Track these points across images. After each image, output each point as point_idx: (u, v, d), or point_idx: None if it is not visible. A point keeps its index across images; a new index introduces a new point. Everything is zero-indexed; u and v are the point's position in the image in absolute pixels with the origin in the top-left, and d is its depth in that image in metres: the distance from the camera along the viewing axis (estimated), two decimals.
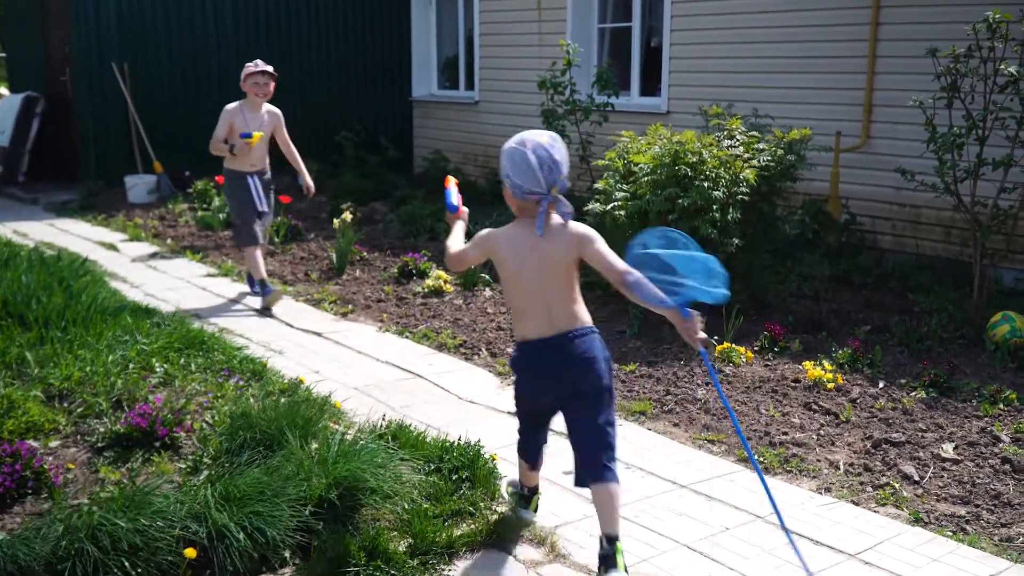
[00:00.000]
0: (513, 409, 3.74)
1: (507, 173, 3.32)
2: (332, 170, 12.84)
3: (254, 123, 7.09)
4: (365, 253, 8.55)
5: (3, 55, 20.46)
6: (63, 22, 12.16)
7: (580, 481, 3.35)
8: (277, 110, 7.32)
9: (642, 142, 7.09)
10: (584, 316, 3.38)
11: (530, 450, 3.62)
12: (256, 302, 7.13)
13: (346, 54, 13.31)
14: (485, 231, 3.47)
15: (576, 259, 3.32)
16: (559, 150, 3.29)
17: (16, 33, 14.45)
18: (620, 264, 3.23)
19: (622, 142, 7.30)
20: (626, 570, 3.15)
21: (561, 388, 3.33)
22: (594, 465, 3.26)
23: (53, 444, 4.20)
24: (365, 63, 13.46)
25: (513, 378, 3.60)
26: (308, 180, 7.45)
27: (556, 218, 3.31)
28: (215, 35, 12.29)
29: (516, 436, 3.67)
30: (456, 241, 3.65)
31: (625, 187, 6.93)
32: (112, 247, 8.91)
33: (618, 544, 3.16)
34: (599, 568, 3.21)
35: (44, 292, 5.74)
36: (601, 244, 3.29)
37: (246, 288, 7.48)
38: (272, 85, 7.15)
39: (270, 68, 7.09)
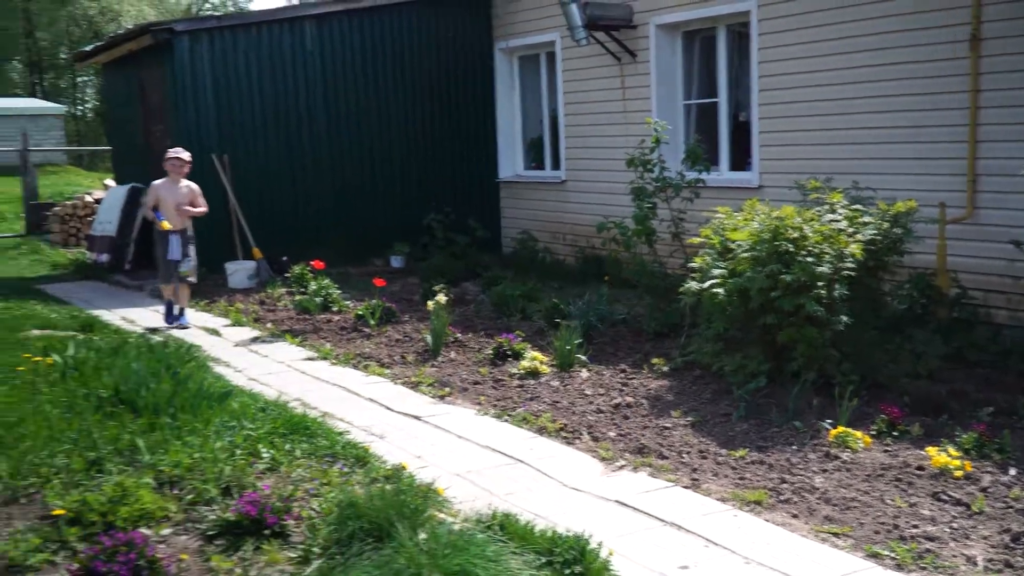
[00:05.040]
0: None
1: None
2: (422, 252, 13.01)
3: (174, 192, 9.36)
4: (459, 335, 8.56)
5: (109, 148, 21.55)
6: (161, 117, 12.69)
7: None
8: (195, 185, 9.60)
9: (739, 218, 7.00)
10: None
11: None
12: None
13: (433, 139, 13.56)
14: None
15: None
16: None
17: (119, 128, 15.12)
18: None
19: (717, 218, 7.22)
20: None
21: None
22: None
23: (165, 532, 4.24)
24: (452, 147, 13.70)
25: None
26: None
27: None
28: (308, 127, 12.66)
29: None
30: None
31: (722, 264, 6.82)
32: (215, 332, 9.09)
33: None
34: None
35: (153, 379, 5.86)
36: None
37: (345, 371, 7.59)
38: (186, 168, 9.47)
39: (184, 156, 9.50)
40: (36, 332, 8.33)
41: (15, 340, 7.76)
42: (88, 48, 14.77)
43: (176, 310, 9.49)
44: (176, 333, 8.92)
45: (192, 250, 9.52)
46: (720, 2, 10.25)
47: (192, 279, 9.58)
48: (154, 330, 9.10)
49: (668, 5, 10.84)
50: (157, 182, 9.41)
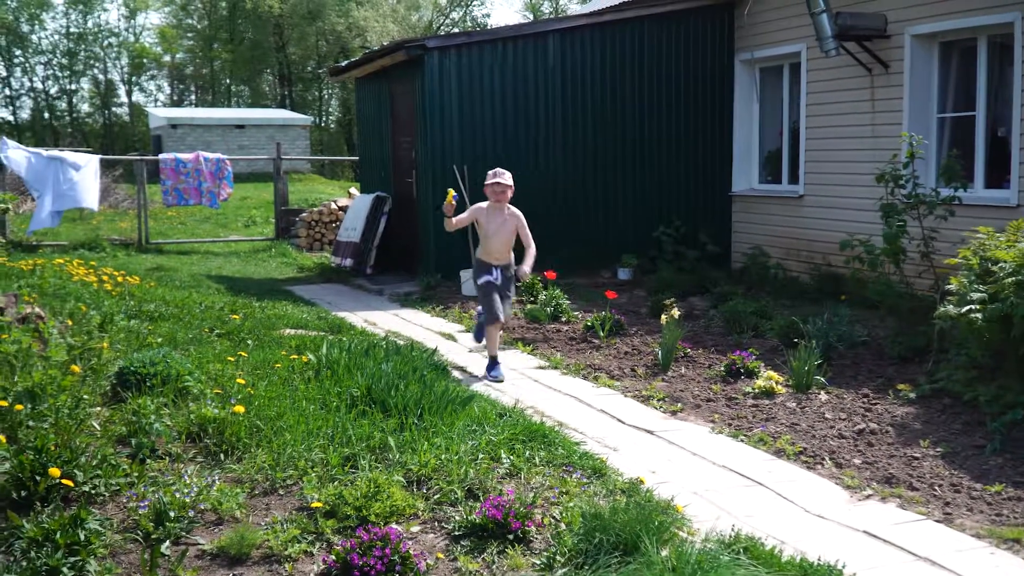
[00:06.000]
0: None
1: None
2: (650, 265, 12.97)
3: (496, 221, 8.04)
4: (689, 349, 8.47)
5: (351, 158, 22.85)
6: (409, 130, 13.29)
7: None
8: (518, 211, 8.16)
9: (1001, 239, 6.56)
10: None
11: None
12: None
13: (666, 151, 13.49)
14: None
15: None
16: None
17: (367, 139, 15.98)
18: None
19: (977, 239, 6.80)
20: None
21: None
22: None
23: (414, 529, 4.42)
24: (685, 159, 13.58)
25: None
26: (525, 268, 7.99)
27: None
28: (544, 138, 12.88)
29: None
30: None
31: (982, 288, 6.41)
32: (450, 337, 9.43)
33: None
34: None
35: (401, 381, 6.14)
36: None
37: (576, 381, 7.66)
38: (508, 193, 8.04)
39: (505, 179, 8.03)
40: (289, 331, 8.92)
41: (272, 338, 8.34)
42: (343, 63, 15.71)
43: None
44: (411, 333, 9.28)
45: (513, 289, 8.31)
46: (982, 12, 9.65)
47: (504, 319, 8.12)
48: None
49: (926, 15, 10.30)
50: (482, 204, 8.12)
